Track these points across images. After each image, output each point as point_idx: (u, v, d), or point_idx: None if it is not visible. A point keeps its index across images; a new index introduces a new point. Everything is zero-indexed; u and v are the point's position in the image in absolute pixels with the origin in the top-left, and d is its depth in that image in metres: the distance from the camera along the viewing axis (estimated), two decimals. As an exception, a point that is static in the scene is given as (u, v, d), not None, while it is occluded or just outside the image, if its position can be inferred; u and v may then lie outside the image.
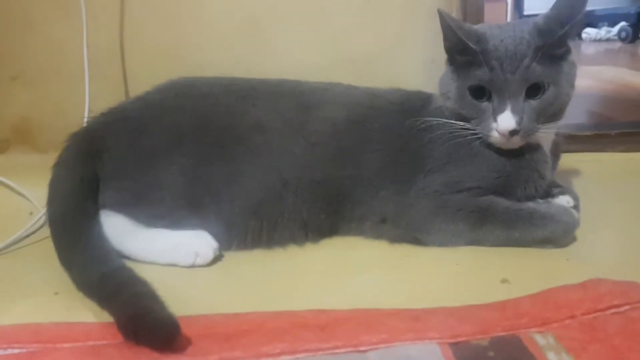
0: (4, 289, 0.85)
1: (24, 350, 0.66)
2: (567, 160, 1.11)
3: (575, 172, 1.22)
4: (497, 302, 0.71)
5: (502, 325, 0.65)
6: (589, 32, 4.64)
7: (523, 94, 0.86)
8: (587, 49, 4.32)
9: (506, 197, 0.92)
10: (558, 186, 1.01)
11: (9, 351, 0.66)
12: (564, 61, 0.89)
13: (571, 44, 0.90)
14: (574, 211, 0.93)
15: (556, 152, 1.00)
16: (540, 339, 0.62)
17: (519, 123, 0.85)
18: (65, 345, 0.67)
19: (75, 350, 0.66)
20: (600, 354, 0.60)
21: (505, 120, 0.86)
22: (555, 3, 0.87)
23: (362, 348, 0.62)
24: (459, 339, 0.63)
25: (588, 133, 1.41)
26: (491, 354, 0.60)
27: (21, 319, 0.75)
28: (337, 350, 0.62)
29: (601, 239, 0.94)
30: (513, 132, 0.86)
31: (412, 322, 0.67)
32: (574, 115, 1.65)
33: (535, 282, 0.76)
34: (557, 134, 0.97)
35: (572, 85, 0.90)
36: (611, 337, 0.61)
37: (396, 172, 0.95)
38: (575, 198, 0.98)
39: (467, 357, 0.60)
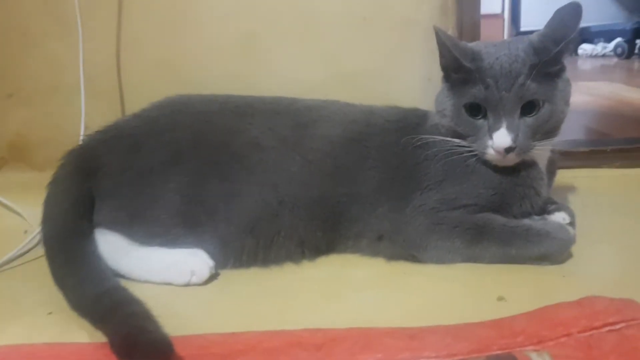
0: (-1, 309, 0.85)
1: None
2: (563, 176, 1.11)
3: (571, 188, 1.22)
4: (493, 320, 0.70)
5: (498, 343, 0.65)
6: (585, 48, 4.69)
7: (518, 111, 0.86)
8: (584, 65, 4.35)
9: (502, 214, 0.92)
10: (554, 203, 1.01)
11: (2, 372, 0.66)
12: (559, 79, 0.89)
13: (567, 60, 0.90)
14: (569, 228, 0.93)
15: (552, 169, 1.00)
16: (536, 357, 0.62)
17: (514, 140, 0.86)
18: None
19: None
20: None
21: (501, 138, 0.86)
22: (550, 21, 0.88)
23: (359, 367, 0.62)
24: (455, 358, 0.63)
25: (584, 149, 1.41)
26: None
27: (15, 339, 0.74)
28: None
29: (597, 255, 0.94)
30: (509, 150, 0.86)
31: (408, 341, 0.66)
32: (570, 132, 1.67)
33: (531, 299, 0.76)
34: (552, 151, 0.97)
35: (567, 103, 0.90)
36: (606, 355, 0.61)
37: (393, 190, 0.95)
38: (571, 214, 0.98)
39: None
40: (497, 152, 0.87)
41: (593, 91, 2.73)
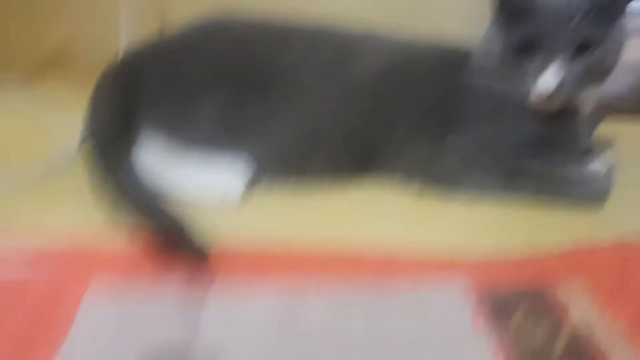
0: (40, 218, 0.87)
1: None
2: (607, 126, 1.08)
3: (613, 138, 1.19)
4: (525, 255, 0.71)
5: (528, 277, 0.65)
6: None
7: (568, 54, 0.83)
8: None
9: (540, 158, 0.91)
10: (594, 150, 0.99)
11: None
12: (616, 25, 0.85)
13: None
14: (608, 176, 0.92)
15: (596, 117, 0.98)
16: (566, 292, 0.63)
17: (559, 84, 0.83)
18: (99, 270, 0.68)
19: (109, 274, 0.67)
20: (627, 306, 0.60)
21: (546, 81, 0.83)
22: None
23: (386, 289, 0.63)
24: (486, 286, 0.64)
25: (629, 100, 1.38)
26: (513, 305, 0.61)
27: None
28: (361, 290, 0.63)
29: (634, 203, 0.93)
30: (553, 93, 0.84)
31: (437, 268, 0.67)
32: (617, 85, 1.62)
33: (563, 241, 0.76)
34: (598, 99, 0.94)
35: (619, 51, 0.87)
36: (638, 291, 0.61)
37: (430, 127, 0.94)
38: (610, 163, 0.96)
39: (490, 306, 0.61)
40: (541, 95, 0.85)
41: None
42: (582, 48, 0.83)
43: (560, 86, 0.83)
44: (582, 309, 0.60)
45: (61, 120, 1.20)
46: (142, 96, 0.94)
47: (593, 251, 0.71)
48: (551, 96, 0.84)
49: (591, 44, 0.83)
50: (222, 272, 0.68)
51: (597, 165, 0.96)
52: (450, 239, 0.79)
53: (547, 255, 0.71)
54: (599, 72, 0.87)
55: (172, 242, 0.72)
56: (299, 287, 0.64)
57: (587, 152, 0.98)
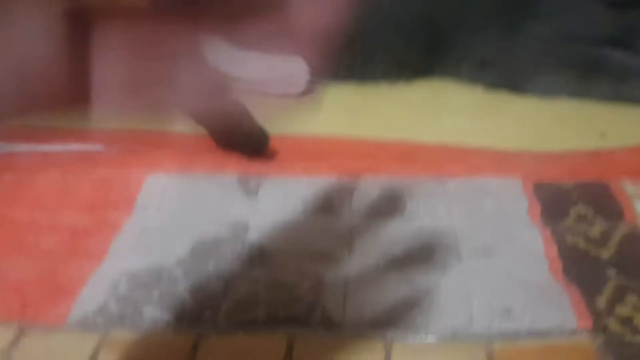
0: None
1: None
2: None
3: None
4: (590, 150, 0.68)
5: (592, 170, 0.63)
6: None
7: None
8: None
9: (621, 50, 0.85)
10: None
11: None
12: None
13: None
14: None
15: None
16: (630, 188, 0.60)
17: None
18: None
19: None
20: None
21: None
22: None
23: (442, 176, 0.63)
24: (543, 180, 0.62)
25: None
26: (575, 195, 0.59)
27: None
28: (418, 175, 0.63)
29: None
30: None
31: (497, 160, 0.66)
32: None
33: (635, 138, 0.72)
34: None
35: None
36: None
37: (502, 14, 0.89)
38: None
39: (549, 195, 0.60)
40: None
41: None
42: None
43: None
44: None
45: None
46: None
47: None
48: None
49: None
50: (283, 153, 0.70)
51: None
52: (515, 134, 0.77)
53: (616, 150, 0.68)
54: None
55: (232, 127, 0.73)
56: (356, 171, 0.64)
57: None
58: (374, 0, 0.90)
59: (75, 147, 0.73)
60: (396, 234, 0.56)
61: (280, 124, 0.82)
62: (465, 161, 0.66)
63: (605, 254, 0.52)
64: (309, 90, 0.91)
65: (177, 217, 0.60)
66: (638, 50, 0.85)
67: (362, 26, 0.91)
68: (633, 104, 0.83)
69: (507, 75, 0.89)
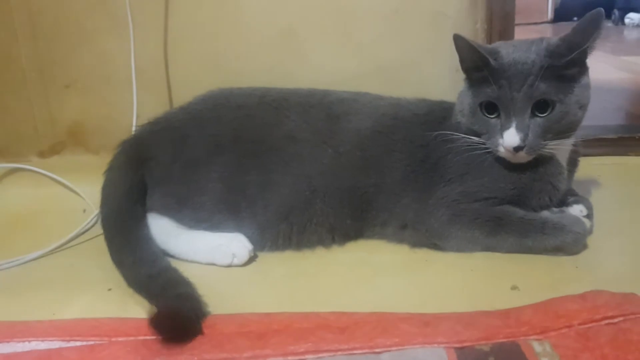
0: (63, 285, 0.96)
1: (85, 343, 0.77)
2: (589, 163, 1.14)
3: (594, 177, 1.25)
4: (503, 310, 0.78)
5: (504, 332, 0.72)
6: (632, 17, 4.53)
7: (529, 111, 0.90)
8: (630, 35, 4.22)
9: (521, 206, 0.98)
10: (573, 195, 1.06)
11: (72, 343, 0.77)
12: (575, 82, 0.92)
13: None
14: (586, 220, 0.98)
15: (573, 162, 1.04)
16: (537, 346, 0.69)
17: (523, 140, 0.90)
18: (120, 339, 0.77)
19: (128, 344, 0.75)
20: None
21: (510, 137, 0.90)
22: (575, 25, 0.90)
23: (377, 350, 0.70)
24: (464, 344, 0.70)
25: (612, 136, 1.42)
26: (492, 358, 0.68)
27: (80, 313, 0.85)
28: (355, 351, 0.70)
29: (612, 247, 0.98)
30: (517, 148, 0.91)
31: (422, 327, 0.74)
32: (602, 113, 1.67)
33: (543, 289, 0.82)
34: (574, 144, 1.01)
35: (582, 107, 0.93)
36: (601, 347, 0.68)
37: (417, 181, 1.02)
38: (589, 207, 1.02)
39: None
40: (507, 150, 0.92)
41: (635, 67, 2.66)
42: (542, 105, 0.90)
43: (524, 141, 0.90)
44: (551, 358, 0.67)
45: (79, 187, 1.30)
46: (152, 174, 1.04)
47: (564, 303, 0.77)
48: (518, 150, 0.91)
49: (549, 102, 0.90)
50: (231, 335, 0.75)
51: (576, 208, 1.02)
52: (438, 294, 0.86)
53: (524, 308, 0.78)
54: (564, 126, 0.93)
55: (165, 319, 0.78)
56: (300, 350, 0.71)
57: (567, 194, 1.04)
58: (304, 176, 1.02)
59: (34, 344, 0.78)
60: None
61: (227, 299, 0.88)
62: (394, 331, 0.73)
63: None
64: (251, 260, 0.99)
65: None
66: (534, 208, 0.98)
67: (296, 200, 1.02)
68: (538, 255, 0.94)
69: (425, 235, 1.00)
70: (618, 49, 3.13)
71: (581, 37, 0.89)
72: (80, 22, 1.30)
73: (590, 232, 0.97)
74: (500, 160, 0.97)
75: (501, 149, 0.93)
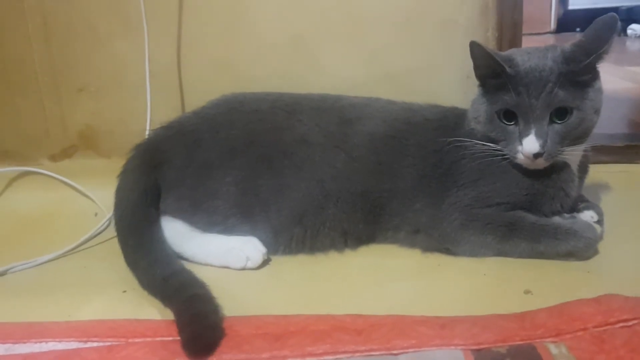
0: (78, 287, 0.97)
1: (102, 344, 0.77)
2: (597, 171, 1.15)
3: (604, 184, 1.27)
4: (518, 313, 0.78)
5: (520, 334, 0.73)
6: (634, 29, 4.56)
7: (547, 118, 0.91)
8: (632, 46, 4.25)
9: (533, 212, 0.98)
10: (584, 201, 1.07)
11: (89, 344, 0.77)
12: (590, 88, 0.93)
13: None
14: (597, 226, 0.99)
15: (583, 168, 1.05)
16: (553, 349, 0.70)
17: (542, 146, 0.91)
18: (137, 340, 0.77)
19: (146, 344, 0.76)
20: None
21: (530, 144, 0.91)
22: (587, 30, 0.92)
23: (394, 351, 0.71)
24: (481, 347, 0.71)
25: (619, 144, 1.44)
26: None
27: (95, 315, 0.86)
28: (373, 353, 0.71)
29: (623, 252, 0.99)
30: (537, 155, 0.92)
31: (439, 330, 0.75)
32: (608, 123, 1.68)
33: (555, 293, 0.83)
34: (585, 151, 1.01)
35: (597, 111, 0.94)
36: (617, 349, 0.68)
37: (430, 186, 1.03)
38: (600, 213, 1.03)
39: (488, 361, 0.69)
40: (527, 157, 0.93)
41: (638, 77, 2.67)
42: (560, 112, 0.91)
43: (544, 148, 0.91)
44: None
45: (90, 191, 1.31)
46: (165, 178, 1.04)
47: (579, 306, 0.77)
48: (537, 157, 0.92)
49: (567, 108, 0.91)
50: (249, 337, 0.76)
51: (587, 214, 1.03)
52: (452, 298, 0.87)
53: (539, 311, 0.78)
54: (580, 132, 0.94)
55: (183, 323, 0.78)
56: (319, 352, 0.72)
57: (578, 201, 1.05)
58: (317, 180, 1.03)
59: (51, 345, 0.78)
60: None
61: (242, 302, 0.89)
62: (411, 333, 0.74)
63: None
64: (264, 263, 1.00)
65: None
66: (546, 213, 0.99)
67: (308, 204, 1.03)
68: (550, 260, 0.95)
69: (438, 240, 1.01)
70: (621, 60, 3.15)
71: (597, 42, 0.89)
72: (93, 26, 1.32)
73: (601, 237, 0.97)
74: (514, 166, 0.97)
75: (520, 156, 0.94)
